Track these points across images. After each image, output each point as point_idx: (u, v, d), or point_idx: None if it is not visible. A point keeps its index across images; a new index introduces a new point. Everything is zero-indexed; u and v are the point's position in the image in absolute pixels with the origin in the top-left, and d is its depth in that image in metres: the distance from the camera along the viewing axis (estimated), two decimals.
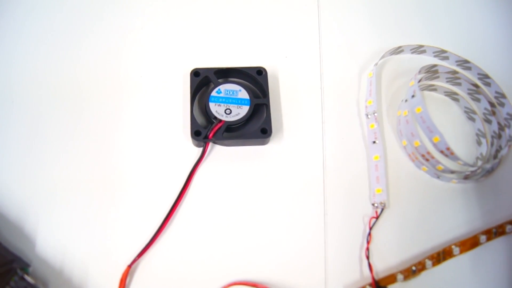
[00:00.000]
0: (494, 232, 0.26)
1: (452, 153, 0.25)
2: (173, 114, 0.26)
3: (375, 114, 0.26)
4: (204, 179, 0.25)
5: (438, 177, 0.26)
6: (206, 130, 0.24)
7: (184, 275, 0.23)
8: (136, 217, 0.23)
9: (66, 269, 0.22)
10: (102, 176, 0.24)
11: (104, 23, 0.29)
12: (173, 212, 0.23)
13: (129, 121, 0.26)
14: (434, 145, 0.25)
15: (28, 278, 0.21)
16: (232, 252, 0.23)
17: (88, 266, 0.22)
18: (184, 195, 0.24)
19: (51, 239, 0.23)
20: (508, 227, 0.26)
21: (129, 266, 0.22)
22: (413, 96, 0.26)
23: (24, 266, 0.21)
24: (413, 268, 0.24)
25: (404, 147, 0.27)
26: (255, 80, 0.26)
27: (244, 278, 0.23)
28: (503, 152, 0.26)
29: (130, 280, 0.22)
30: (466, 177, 0.26)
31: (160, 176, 0.24)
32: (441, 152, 0.25)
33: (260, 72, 0.26)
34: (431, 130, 0.25)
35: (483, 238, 0.26)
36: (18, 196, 0.23)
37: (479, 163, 0.27)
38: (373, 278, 0.23)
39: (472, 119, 0.28)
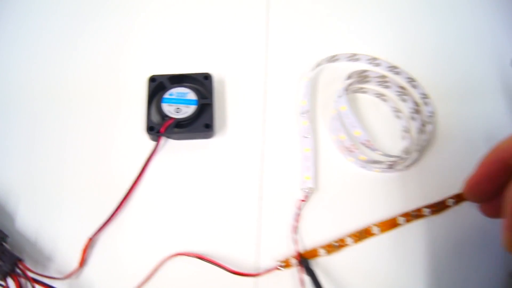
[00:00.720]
0: (413, 215, 0.30)
1: (371, 145, 0.29)
2: (136, 114, 0.31)
3: (308, 113, 0.31)
4: (158, 167, 0.30)
5: (363, 167, 0.30)
6: (159, 126, 0.29)
7: (137, 248, 0.27)
8: (100, 197, 0.28)
9: (39, 241, 0.27)
10: (72, 164, 0.29)
11: (77, 32, 0.34)
12: (129, 194, 0.28)
13: (98, 119, 0.31)
14: (356, 138, 0.30)
15: (6, 246, 0.26)
16: (179, 229, 0.28)
17: (57, 239, 0.27)
18: (140, 180, 0.29)
19: (28, 216, 0.28)
20: (425, 210, 0.30)
21: (90, 239, 0.27)
22: (339, 96, 0.30)
23: (3, 236, 0.26)
24: (335, 243, 0.28)
25: (335, 141, 0.31)
26: (202, 84, 0.31)
27: (188, 250, 0.27)
28: (423, 144, 0.30)
29: (91, 251, 0.27)
30: (389, 167, 0.30)
31: (122, 164, 0.29)
32: (362, 144, 0.30)
33: (207, 77, 0.31)
34: (353, 125, 0.30)
35: (401, 219, 0.29)
36: (2, 180, 0.29)
37: (402, 154, 0.31)
38: (297, 251, 0.27)
39: (398, 117, 0.32)
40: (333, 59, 0.33)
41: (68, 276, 0.26)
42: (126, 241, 0.28)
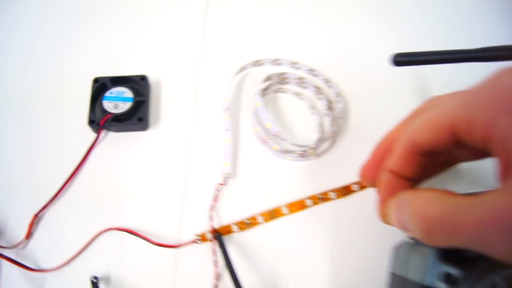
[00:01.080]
0: (319, 198, 0.34)
1: (281, 136, 0.34)
2: (81, 110, 0.36)
3: (229, 110, 0.35)
4: (99, 155, 0.35)
5: (277, 156, 0.35)
6: (100, 120, 0.34)
7: (76, 224, 0.32)
8: (46, 179, 0.33)
9: None
10: (24, 151, 0.35)
11: (32, 37, 0.40)
12: (72, 177, 0.33)
13: (49, 113, 0.36)
14: (269, 130, 0.34)
15: None
16: (113, 207, 0.33)
17: (8, 216, 0.32)
18: (82, 165, 0.34)
19: None
20: (331, 194, 0.34)
21: (36, 215, 0.32)
22: (255, 95, 0.35)
23: None
24: (247, 221, 0.33)
25: (253, 133, 0.36)
26: (139, 84, 0.36)
27: (120, 225, 0.32)
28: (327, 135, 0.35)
29: (37, 226, 0.32)
30: (301, 156, 0.35)
31: (67, 151, 0.34)
32: (274, 135, 0.34)
33: (143, 78, 0.36)
34: (266, 119, 0.34)
35: (309, 202, 0.34)
36: None
37: (311, 145, 0.35)
38: (212, 226, 0.32)
39: (314, 114, 0.37)
40: (257, 63, 0.38)
41: (15, 246, 0.31)
42: (67, 218, 0.33)
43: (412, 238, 0.26)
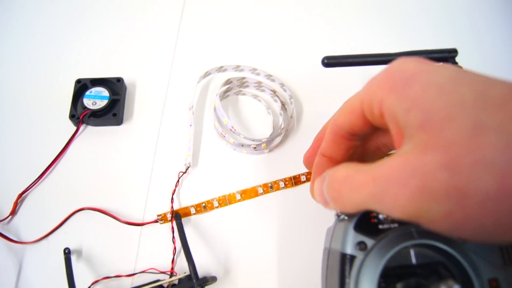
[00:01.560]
0: (270, 186, 0.39)
1: (235, 130, 0.39)
2: (64, 107, 0.41)
3: (193, 108, 0.41)
4: (79, 145, 0.40)
5: (234, 149, 0.40)
6: (79, 115, 0.39)
7: (54, 204, 0.37)
8: (32, 164, 0.39)
9: None
10: (13, 140, 0.40)
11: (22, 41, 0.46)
12: (53, 163, 0.38)
13: (35, 109, 0.42)
14: (225, 125, 0.40)
15: None
16: (87, 190, 0.38)
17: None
18: (63, 154, 0.39)
19: None
20: (280, 183, 0.39)
21: (20, 195, 0.37)
22: (216, 95, 0.40)
23: None
24: (203, 204, 0.38)
25: (214, 129, 0.41)
26: (115, 85, 0.41)
27: (93, 206, 0.37)
28: (279, 132, 0.40)
29: (20, 204, 0.37)
30: (255, 149, 0.40)
31: (50, 141, 0.40)
32: (230, 130, 0.39)
33: (119, 80, 0.42)
34: (222, 115, 0.40)
35: (260, 189, 0.39)
36: None
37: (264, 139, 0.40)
38: (172, 207, 0.37)
39: (269, 113, 0.42)
40: (221, 69, 0.43)
41: (1, 221, 0.36)
42: (47, 198, 0.38)
43: (337, 216, 0.31)
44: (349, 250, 0.28)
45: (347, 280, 0.27)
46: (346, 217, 0.29)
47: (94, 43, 0.46)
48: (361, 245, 0.27)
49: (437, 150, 0.19)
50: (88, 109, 0.40)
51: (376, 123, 0.25)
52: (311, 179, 0.31)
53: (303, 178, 0.39)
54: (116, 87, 0.41)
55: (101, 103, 0.40)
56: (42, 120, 0.41)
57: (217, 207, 0.38)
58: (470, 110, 0.19)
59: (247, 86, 0.43)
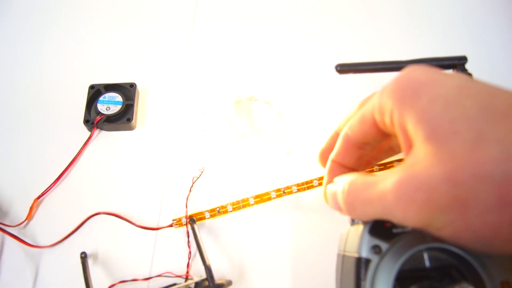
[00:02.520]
0: (283, 191, 0.41)
1: (249, 137, 0.41)
2: (79, 112, 0.43)
3: (207, 114, 0.42)
4: (93, 149, 0.42)
5: (247, 154, 0.42)
6: (93, 120, 0.41)
7: (70, 208, 0.39)
8: (47, 169, 0.40)
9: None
10: (29, 145, 0.42)
11: (38, 48, 0.47)
12: (68, 168, 0.40)
13: (52, 114, 0.43)
14: (239, 131, 0.41)
15: None
16: (102, 195, 0.39)
17: (13, 200, 0.39)
18: (77, 158, 0.41)
19: None
20: (293, 188, 0.41)
21: (36, 199, 0.39)
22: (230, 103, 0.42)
23: None
24: (217, 209, 0.39)
25: (228, 134, 0.42)
26: (129, 90, 0.43)
27: (108, 210, 0.39)
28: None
29: (37, 209, 0.39)
30: (269, 155, 0.41)
31: (65, 146, 0.41)
32: (244, 135, 0.41)
33: (132, 85, 0.43)
34: (235, 121, 0.41)
35: (273, 194, 0.40)
36: None
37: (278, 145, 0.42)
38: (186, 212, 0.38)
39: (282, 119, 0.44)
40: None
41: (18, 225, 0.38)
42: (62, 203, 0.39)
43: (352, 220, 0.33)
44: (364, 253, 0.29)
45: (362, 283, 0.28)
46: (360, 222, 0.31)
47: (106, 49, 0.48)
48: (376, 249, 0.29)
49: (441, 163, 0.21)
50: (102, 114, 0.41)
51: (388, 131, 0.27)
52: (324, 183, 0.33)
53: (315, 183, 0.41)
54: (129, 92, 0.43)
55: (114, 108, 0.41)
56: (57, 126, 0.43)
57: (231, 211, 0.39)
58: (473, 122, 0.21)
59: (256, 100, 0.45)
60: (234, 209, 0.39)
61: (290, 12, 0.51)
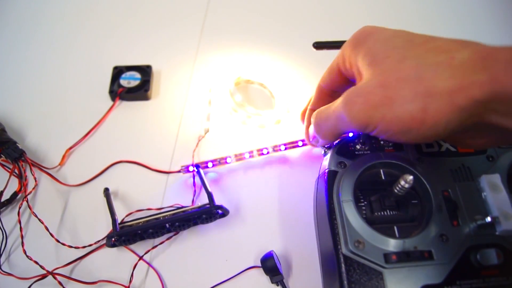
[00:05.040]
0: (273, 149, 0.52)
1: (246, 106, 0.53)
2: (105, 85, 0.56)
3: (213, 91, 0.55)
4: (115, 115, 0.53)
5: (244, 122, 0.54)
6: (116, 91, 0.54)
7: (93, 156, 0.50)
8: (78, 127, 0.52)
9: (38, 150, 0.50)
10: (65, 109, 0.54)
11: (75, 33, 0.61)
12: (93, 129, 0.52)
13: (85, 87, 0.56)
14: (238, 103, 0.54)
15: (17, 145, 0.48)
16: (122, 145, 0.51)
17: (48, 150, 0.50)
18: (101, 122, 0.52)
19: (33, 135, 0.51)
20: (281, 147, 0.52)
21: (68, 149, 0.50)
22: (230, 80, 0.55)
23: (15, 141, 0.49)
24: (219, 160, 0.50)
25: (229, 106, 0.55)
26: (146, 70, 0.56)
27: (129, 157, 0.50)
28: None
29: (68, 157, 0.50)
30: (261, 122, 0.53)
31: (93, 111, 0.53)
32: (241, 105, 0.54)
33: (148, 66, 0.56)
34: (235, 95, 0.54)
35: (265, 150, 0.52)
36: (19, 113, 0.53)
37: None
38: (193, 159, 0.49)
39: (273, 97, 0.56)
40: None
41: (52, 168, 0.48)
42: (90, 154, 0.50)
43: (324, 152, 0.44)
44: (333, 167, 0.40)
45: (333, 189, 0.39)
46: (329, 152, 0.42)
47: (127, 36, 0.62)
48: (341, 164, 0.40)
49: (376, 76, 0.33)
50: (124, 87, 0.54)
51: (349, 75, 0.39)
52: (305, 128, 0.45)
53: (299, 143, 0.52)
54: (146, 72, 0.56)
55: (134, 83, 0.54)
56: (88, 95, 0.55)
57: (230, 163, 0.50)
58: (400, 50, 0.33)
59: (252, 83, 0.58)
60: (232, 161, 0.51)
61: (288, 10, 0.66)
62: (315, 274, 0.42)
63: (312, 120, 0.39)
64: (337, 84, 0.42)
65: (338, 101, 0.35)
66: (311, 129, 0.42)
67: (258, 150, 0.50)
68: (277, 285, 0.42)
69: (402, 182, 0.36)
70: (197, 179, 0.48)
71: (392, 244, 0.36)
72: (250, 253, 0.44)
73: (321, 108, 0.38)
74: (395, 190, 0.36)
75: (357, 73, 0.36)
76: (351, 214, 0.37)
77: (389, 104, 0.32)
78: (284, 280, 0.42)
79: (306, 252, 0.44)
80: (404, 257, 0.35)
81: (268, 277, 0.42)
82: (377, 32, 0.36)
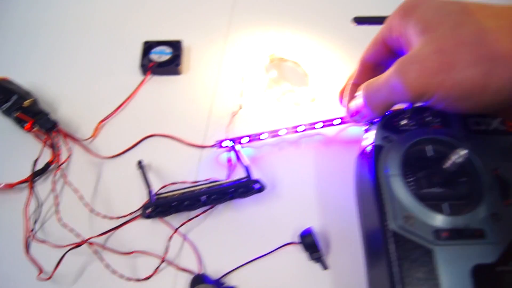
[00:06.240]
0: (309, 126, 0.52)
1: (281, 82, 0.53)
2: (136, 60, 0.56)
3: (246, 67, 0.55)
4: (146, 89, 0.53)
5: (278, 98, 0.53)
6: (147, 65, 0.54)
7: (124, 130, 0.50)
8: (110, 100, 0.52)
9: (71, 122, 0.50)
10: (97, 84, 0.54)
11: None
12: (125, 102, 0.52)
13: (117, 61, 0.56)
14: (273, 79, 0.53)
15: (50, 116, 0.49)
16: (155, 122, 0.51)
17: (82, 122, 0.50)
18: (133, 96, 0.52)
19: (67, 106, 0.52)
20: (317, 124, 0.52)
21: (100, 122, 0.50)
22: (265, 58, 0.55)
23: (48, 112, 0.49)
24: (253, 136, 0.50)
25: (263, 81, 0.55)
26: (176, 45, 0.55)
27: (161, 131, 0.50)
28: None
29: (100, 129, 0.50)
30: (296, 99, 0.53)
31: (126, 84, 0.53)
32: (276, 81, 0.53)
33: (178, 42, 0.56)
34: (270, 71, 0.54)
35: (301, 128, 0.51)
36: (53, 86, 0.53)
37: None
38: (227, 134, 0.49)
39: (307, 75, 0.56)
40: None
41: (85, 140, 0.49)
42: (122, 127, 0.50)
43: (366, 127, 0.44)
44: (379, 141, 0.40)
45: (379, 163, 0.39)
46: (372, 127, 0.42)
47: (157, 10, 0.62)
48: (387, 139, 0.40)
49: (430, 42, 0.33)
50: (155, 61, 0.54)
51: (395, 47, 0.39)
52: (346, 102, 0.44)
53: (336, 121, 0.52)
54: (176, 47, 0.56)
55: (165, 57, 0.54)
56: (119, 69, 0.55)
57: (263, 139, 0.50)
58: (454, 16, 0.33)
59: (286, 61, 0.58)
60: (267, 138, 0.50)
61: None
62: (355, 252, 0.42)
63: (361, 92, 0.39)
64: (382, 57, 0.41)
65: (390, 71, 0.35)
66: (353, 104, 0.41)
67: (293, 127, 0.50)
68: (316, 263, 0.42)
69: (455, 157, 0.35)
70: (232, 154, 0.48)
71: (442, 221, 0.35)
72: (287, 230, 0.43)
73: (371, 79, 0.38)
74: (446, 166, 0.36)
75: (406, 42, 0.36)
76: (399, 188, 0.37)
77: (448, 69, 0.32)
78: (323, 258, 0.41)
79: (345, 230, 0.43)
80: (456, 235, 0.35)
81: (307, 254, 0.42)
82: (427, 0, 0.36)
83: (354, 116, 0.42)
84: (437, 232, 0.35)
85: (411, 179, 0.38)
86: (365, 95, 0.38)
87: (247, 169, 0.44)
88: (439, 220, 0.35)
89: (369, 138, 0.41)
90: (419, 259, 0.34)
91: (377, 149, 0.40)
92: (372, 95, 0.37)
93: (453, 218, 0.35)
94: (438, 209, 0.36)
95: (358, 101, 0.39)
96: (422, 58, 0.33)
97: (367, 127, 0.43)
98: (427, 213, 0.35)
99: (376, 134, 0.41)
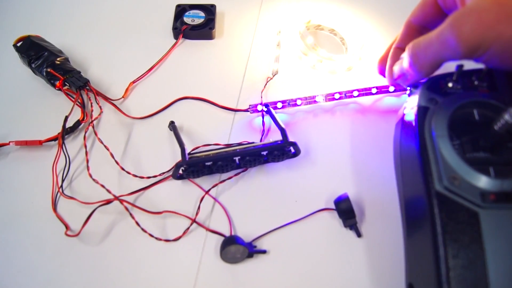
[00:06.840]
0: (345, 95, 0.50)
1: (317, 49, 0.52)
2: (169, 23, 0.55)
3: (281, 34, 0.54)
4: (178, 53, 0.53)
5: (314, 66, 0.52)
6: (180, 28, 0.53)
7: (157, 92, 0.49)
8: (142, 60, 0.52)
9: (102, 82, 0.50)
10: (129, 44, 0.54)
11: None
12: (158, 64, 0.51)
13: (151, 24, 0.56)
14: (309, 45, 0.52)
15: (81, 74, 0.49)
16: (187, 84, 0.50)
17: (113, 83, 0.50)
18: (165, 58, 0.52)
19: (97, 67, 0.52)
20: (354, 92, 0.50)
21: (131, 83, 0.50)
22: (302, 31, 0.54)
23: (79, 71, 0.49)
24: (288, 101, 0.49)
25: (298, 49, 0.54)
26: (210, 9, 0.55)
27: (193, 95, 0.49)
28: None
29: (131, 90, 0.50)
30: (332, 67, 0.52)
31: (158, 46, 0.53)
32: (313, 48, 0.52)
33: (212, 5, 0.55)
34: (307, 37, 0.53)
35: (337, 95, 0.50)
36: (85, 50, 0.53)
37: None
38: (261, 99, 0.48)
39: (344, 44, 0.55)
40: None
41: (116, 100, 0.48)
42: (153, 88, 0.50)
43: (410, 92, 0.42)
44: (424, 103, 0.39)
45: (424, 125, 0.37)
46: (415, 91, 0.41)
47: None
48: (433, 100, 0.39)
49: None
50: (188, 24, 0.54)
51: (447, 5, 0.38)
52: (388, 66, 0.43)
53: (373, 90, 0.50)
54: (210, 11, 0.55)
55: (198, 21, 0.53)
56: (152, 32, 0.55)
57: (299, 105, 0.49)
58: None
59: (322, 29, 0.56)
60: (302, 104, 0.49)
61: None
62: (390, 221, 0.41)
63: (406, 53, 0.37)
64: (430, 18, 0.40)
65: (443, 26, 0.33)
66: (397, 66, 0.40)
67: (329, 95, 0.49)
68: (350, 229, 0.41)
69: (507, 117, 0.34)
70: (266, 119, 0.47)
71: (489, 183, 0.34)
72: (320, 196, 0.43)
73: (419, 38, 0.36)
74: (497, 126, 0.35)
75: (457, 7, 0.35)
76: (445, 149, 0.35)
77: (508, 21, 0.30)
78: (357, 225, 0.40)
79: (380, 199, 0.42)
80: (503, 198, 0.33)
81: (340, 220, 0.41)
82: None
83: (397, 79, 0.41)
84: (484, 194, 0.33)
85: (456, 142, 0.37)
86: (411, 54, 0.37)
87: (283, 131, 0.43)
88: (486, 182, 0.34)
89: (413, 101, 0.40)
90: (464, 222, 0.33)
91: (423, 110, 0.39)
92: (419, 53, 0.36)
93: (501, 181, 0.34)
94: (484, 172, 0.35)
95: (404, 62, 0.38)
96: (480, 10, 0.32)
97: (411, 90, 0.42)
98: (474, 174, 0.34)
99: (422, 96, 0.40)
